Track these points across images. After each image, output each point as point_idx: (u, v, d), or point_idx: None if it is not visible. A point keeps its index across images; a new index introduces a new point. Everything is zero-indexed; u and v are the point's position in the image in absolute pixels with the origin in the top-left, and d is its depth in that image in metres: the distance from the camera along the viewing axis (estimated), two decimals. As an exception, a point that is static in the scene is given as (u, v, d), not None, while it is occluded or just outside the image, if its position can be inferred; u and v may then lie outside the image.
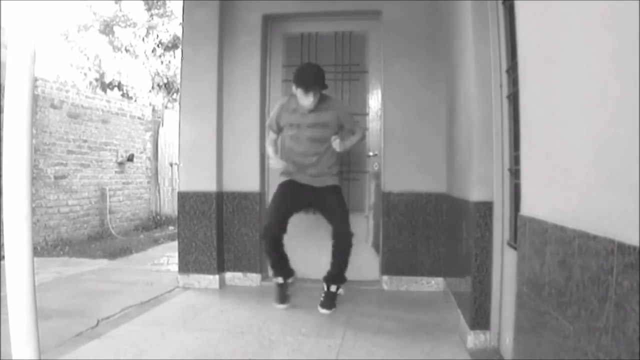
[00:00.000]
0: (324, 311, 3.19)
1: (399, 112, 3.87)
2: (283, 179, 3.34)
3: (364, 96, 4.14)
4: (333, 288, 3.25)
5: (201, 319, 3.10)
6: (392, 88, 3.90)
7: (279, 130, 3.33)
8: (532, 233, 1.43)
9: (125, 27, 12.19)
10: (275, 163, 3.30)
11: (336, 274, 3.24)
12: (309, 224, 3.90)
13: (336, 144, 3.20)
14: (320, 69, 3.15)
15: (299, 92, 3.08)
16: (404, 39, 3.88)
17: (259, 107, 4.01)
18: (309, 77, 3.06)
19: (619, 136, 0.95)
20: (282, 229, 3.21)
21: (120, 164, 7.90)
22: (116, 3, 12.13)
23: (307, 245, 3.92)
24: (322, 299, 3.25)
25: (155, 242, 6.87)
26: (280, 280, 3.31)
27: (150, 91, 12.47)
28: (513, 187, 2.37)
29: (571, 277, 1.12)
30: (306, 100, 3.08)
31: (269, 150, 3.36)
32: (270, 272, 3.37)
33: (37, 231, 6.04)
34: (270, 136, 3.40)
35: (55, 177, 6.56)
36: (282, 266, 3.31)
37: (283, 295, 3.31)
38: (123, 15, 12.16)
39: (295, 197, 3.26)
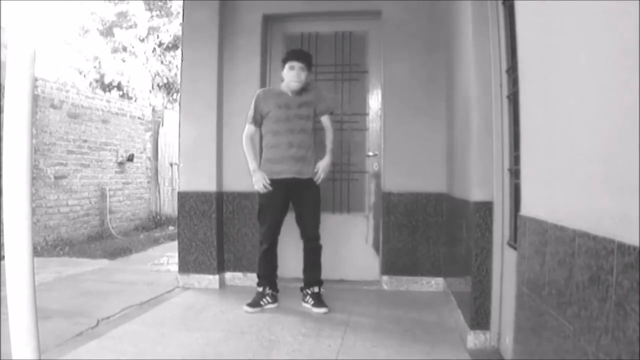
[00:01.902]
0: (321, 310, 3.20)
1: (399, 112, 3.87)
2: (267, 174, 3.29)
3: (364, 96, 4.14)
4: (316, 289, 3.32)
5: (201, 319, 3.10)
6: (392, 88, 3.90)
7: (260, 121, 3.34)
8: (532, 233, 1.43)
9: (127, 28, 12.18)
10: (259, 180, 3.25)
11: (316, 279, 3.34)
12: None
13: (322, 168, 3.32)
14: (309, 53, 3.44)
15: (287, 69, 3.27)
16: (404, 39, 3.88)
17: (259, 107, 4.00)
18: (301, 52, 3.40)
19: (619, 136, 0.95)
20: (278, 232, 3.33)
21: (120, 164, 7.90)
22: (115, 5, 12.11)
23: (300, 245, 3.89)
24: (312, 301, 3.28)
25: (155, 242, 6.87)
26: (259, 289, 3.31)
27: (150, 92, 12.46)
28: (513, 187, 2.37)
29: (571, 277, 1.12)
30: (295, 76, 3.24)
31: (250, 157, 3.32)
32: (257, 282, 3.38)
33: (37, 231, 6.04)
34: (249, 131, 3.36)
35: (55, 177, 6.56)
36: (270, 277, 3.35)
37: (257, 302, 3.26)
38: (124, 16, 12.14)
39: (283, 199, 3.30)
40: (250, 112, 3.36)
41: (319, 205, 3.37)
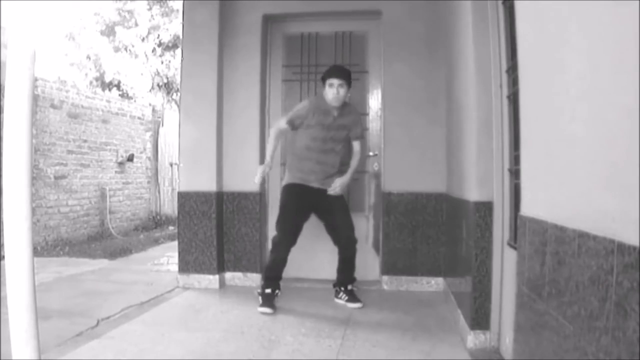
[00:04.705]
0: (356, 305, 3.33)
1: (399, 112, 3.87)
2: (291, 182, 3.40)
3: (364, 96, 4.14)
4: (349, 287, 3.45)
5: (201, 319, 3.10)
6: (392, 88, 3.90)
7: (298, 127, 3.34)
8: (532, 233, 1.43)
9: (128, 28, 12.16)
10: (261, 169, 3.22)
11: (350, 277, 3.47)
12: (306, 224, 3.88)
13: (339, 183, 3.37)
14: (348, 70, 3.42)
15: (327, 86, 3.28)
16: (404, 39, 3.87)
17: (259, 107, 4.01)
18: (340, 68, 3.38)
19: (619, 136, 0.95)
20: (297, 238, 3.36)
21: (120, 164, 7.90)
22: (124, 4, 12.09)
23: (304, 245, 3.90)
24: (346, 297, 3.41)
25: (155, 242, 6.87)
26: (269, 291, 3.30)
27: (150, 91, 12.45)
28: (513, 187, 2.37)
29: (571, 277, 1.12)
30: (332, 93, 3.25)
31: (269, 150, 3.30)
32: (262, 284, 3.38)
33: (37, 231, 6.04)
34: (281, 128, 3.35)
35: (55, 177, 6.56)
36: (278, 279, 3.37)
37: (271, 303, 3.26)
38: (130, 14, 12.11)
39: (307, 205, 3.38)
40: (294, 114, 3.34)
41: (348, 211, 3.47)
